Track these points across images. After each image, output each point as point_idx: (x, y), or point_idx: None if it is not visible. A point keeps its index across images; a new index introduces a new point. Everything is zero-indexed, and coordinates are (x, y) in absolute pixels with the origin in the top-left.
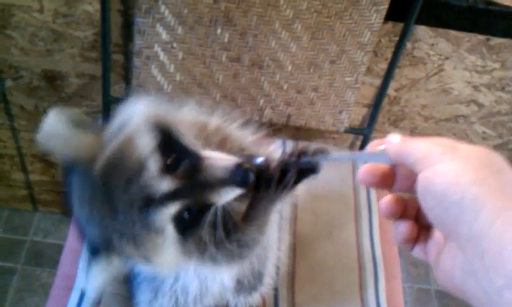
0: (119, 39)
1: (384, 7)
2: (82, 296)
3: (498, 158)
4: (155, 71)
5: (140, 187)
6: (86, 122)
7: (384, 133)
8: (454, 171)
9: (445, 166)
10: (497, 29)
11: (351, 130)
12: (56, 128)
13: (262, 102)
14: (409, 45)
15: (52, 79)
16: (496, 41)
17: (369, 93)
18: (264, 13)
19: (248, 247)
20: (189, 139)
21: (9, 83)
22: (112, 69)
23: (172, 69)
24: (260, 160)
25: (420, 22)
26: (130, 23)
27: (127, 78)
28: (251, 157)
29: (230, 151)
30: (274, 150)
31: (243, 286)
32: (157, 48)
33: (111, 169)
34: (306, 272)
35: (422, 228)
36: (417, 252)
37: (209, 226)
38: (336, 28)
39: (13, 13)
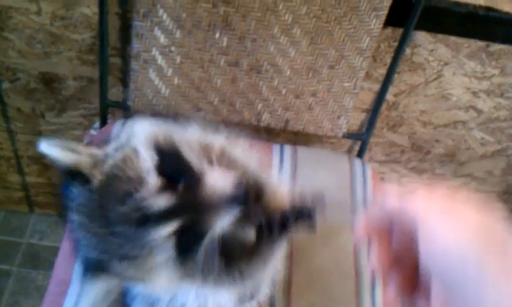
0: (117, 42)
1: (384, 12)
2: (77, 302)
3: (497, 226)
4: (152, 75)
5: (137, 203)
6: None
7: (382, 138)
8: (455, 233)
9: (445, 227)
10: (497, 35)
11: (349, 135)
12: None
13: (260, 106)
14: (408, 50)
15: (50, 82)
16: (495, 47)
17: (368, 98)
18: (263, 17)
19: (250, 276)
20: (191, 157)
21: (6, 85)
22: (110, 72)
23: (170, 73)
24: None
25: (419, 27)
26: (128, 26)
27: (124, 82)
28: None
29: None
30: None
31: (241, 300)
32: (155, 51)
33: (109, 184)
34: (302, 279)
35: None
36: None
37: (208, 250)
38: (335, 33)
39: (10, 15)
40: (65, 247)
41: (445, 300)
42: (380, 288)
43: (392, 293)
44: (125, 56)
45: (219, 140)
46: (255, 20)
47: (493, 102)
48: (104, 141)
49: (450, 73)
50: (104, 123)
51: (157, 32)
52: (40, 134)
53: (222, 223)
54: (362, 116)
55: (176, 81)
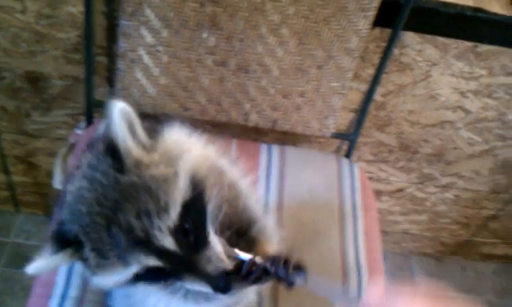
0: (103, 41)
1: (372, 13)
2: (61, 304)
3: None
4: (139, 74)
5: (149, 227)
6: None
7: (370, 138)
8: None
9: None
10: (485, 36)
11: (337, 135)
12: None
13: (247, 106)
14: (396, 51)
15: (35, 81)
16: (483, 48)
17: (356, 98)
18: (251, 17)
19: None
20: (209, 217)
21: None
22: (96, 71)
23: (157, 72)
24: (246, 259)
25: (407, 28)
26: (114, 25)
27: (110, 81)
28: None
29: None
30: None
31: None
32: (141, 51)
33: (137, 190)
34: None
35: None
36: None
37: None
38: (323, 33)
39: None
40: None
41: None
42: (367, 290)
43: None
44: (111, 55)
45: (227, 167)
46: (243, 19)
47: (481, 102)
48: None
49: (438, 74)
50: (89, 122)
51: (144, 31)
52: (25, 133)
53: (192, 286)
54: (350, 116)
55: (163, 81)
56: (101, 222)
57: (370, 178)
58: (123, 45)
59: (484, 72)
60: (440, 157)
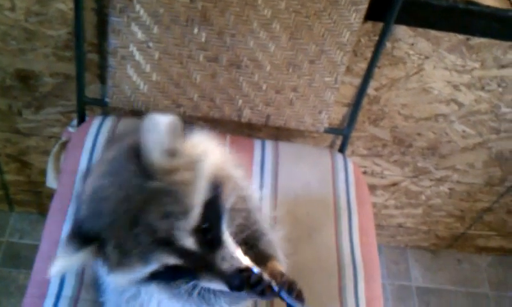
0: (93, 38)
1: (364, 6)
2: (56, 303)
3: None
4: (130, 71)
5: (171, 228)
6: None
7: (364, 132)
8: None
9: None
10: (477, 28)
11: (330, 129)
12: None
13: (240, 102)
14: (388, 44)
15: (26, 79)
16: (476, 40)
17: (349, 93)
18: (242, 12)
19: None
20: (225, 218)
21: None
22: (87, 68)
23: (148, 69)
24: (255, 271)
25: (399, 21)
26: (104, 22)
27: (102, 78)
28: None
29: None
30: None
31: None
32: (132, 47)
33: (163, 192)
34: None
35: None
36: None
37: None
38: (315, 28)
39: None
40: (43, 248)
41: None
42: (363, 284)
43: None
44: (102, 52)
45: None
46: (234, 15)
47: (474, 95)
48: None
49: (431, 67)
50: (82, 120)
51: (134, 27)
52: (17, 132)
53: (210, 285)
54: (343, 111)
55: (154, 77)
56: (126, 221)
57: (365, 173)
58: (113, 41)
59: (476, 65)
60: (434, 151)
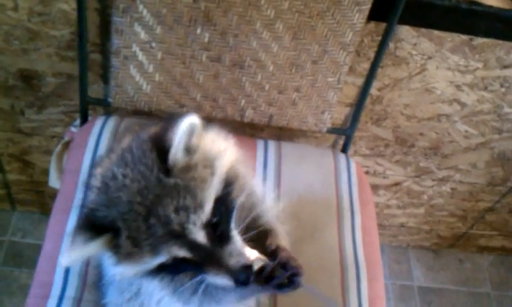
0: (96, 38)
1: (367, 7)
2: (59, 304)
3: None
4: (133, 71)
5: (185, 222)
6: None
7: (367, 132)
8: None
9: None
10: (480, 28)
11: (333, 130)
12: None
13: (243, 102)
14: (391, 44)
15: (29, 79)
16: (479, 41)
17: (352, 93)
18: (245, 12)
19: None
20: (234, 214)
21: None
22: (90, 68)
23: (151, 69)
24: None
25: (402, 21)
26: (107, 22)
27: (105, 78)
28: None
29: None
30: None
31: None
32: (135, 48)
33: (179, 187)
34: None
35: None
36: None
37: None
38: (318, 28)
39: None
40: (47, 247)
41: None
42: (366, 283)
43: None
44: (105, 52)
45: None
46: (237, 15)
47: (477, 95)
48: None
49: (434, 67)
50: (84, 120)
51: (137, 28)
52: (19, 132)
53: (213, 280)
54: (346, 111)
55: (157, 77)
56: (141, 212)
57: (367, 172)
58: (116, 41)
59: (479, 65)
60: (436, 151)
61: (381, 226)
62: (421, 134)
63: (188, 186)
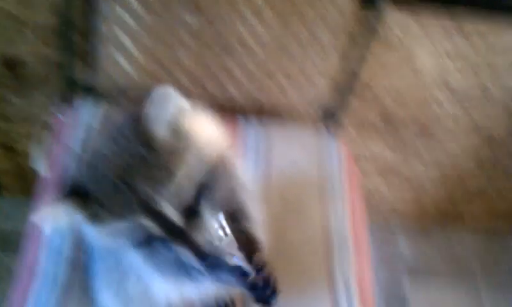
0: (82, 24)
1: None
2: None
3: None
4: (120, 58)
5: (155, 191)
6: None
7: (356, 117)
8: None
9: None
10: None
11: (322, 113)
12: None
13: (232, 88)
14: (381, 30)
15: (13, 66)
16: (469, 26)
17: (341, 77)
18: None
19: None
20: (211, 195)
21: None
22: (76, 55)
23: (138, 56)
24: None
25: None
26: (94, 8)
27: (91, 65)
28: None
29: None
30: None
31: None
32: (122, 34)
33: (157, 161)
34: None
35: None
36: None
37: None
38: (307, 14)
39: None
40: (32, 232)
41: None
42: (353, 261)
43: None
44: (91, 38)
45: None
46: (226, 1)
47: (466, 80)
48: None
49: (424, 52)
50: (70, 106)
51: (124, 14)
52: (4, 118)
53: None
54: (335, 95)
55: (145, 64)
56: (113, 179)
57: (356, 156)
58: (102, 28)
59: (469, 50)
60: (426, 135)
61: (369, 209)
62: (410, 118)
63: (165, 160)
